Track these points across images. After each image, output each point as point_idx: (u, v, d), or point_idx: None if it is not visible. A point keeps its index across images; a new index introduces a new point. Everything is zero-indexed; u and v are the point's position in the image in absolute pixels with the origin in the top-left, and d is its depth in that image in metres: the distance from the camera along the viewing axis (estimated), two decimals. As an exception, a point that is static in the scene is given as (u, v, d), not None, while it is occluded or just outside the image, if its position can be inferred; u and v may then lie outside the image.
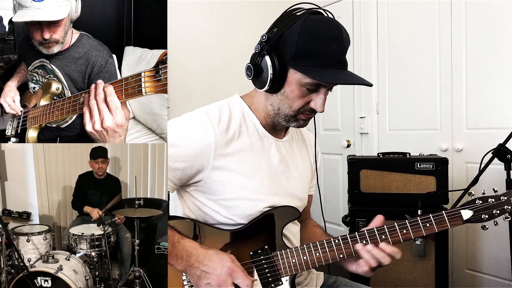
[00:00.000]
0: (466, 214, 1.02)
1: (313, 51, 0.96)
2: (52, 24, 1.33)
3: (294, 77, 0.99)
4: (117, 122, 1.12)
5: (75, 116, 1.37)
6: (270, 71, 0.99)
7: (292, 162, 1.17)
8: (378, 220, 1.06)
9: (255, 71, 1.02)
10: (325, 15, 1.02)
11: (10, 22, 1.64)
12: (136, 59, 1.77)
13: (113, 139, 1.15)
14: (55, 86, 1.41)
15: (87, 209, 1.99)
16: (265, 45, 1.00)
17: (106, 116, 1.11)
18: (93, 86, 1.14)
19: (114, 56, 1.50)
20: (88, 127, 1.13)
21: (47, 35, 1.34)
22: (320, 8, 1.03)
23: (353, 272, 1.07)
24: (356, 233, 1.04)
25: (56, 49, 1.38)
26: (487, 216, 1.02)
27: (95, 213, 1.95)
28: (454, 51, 2.41)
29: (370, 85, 1.00)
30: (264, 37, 1.00)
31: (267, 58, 0.99)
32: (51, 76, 1.43)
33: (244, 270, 0.99)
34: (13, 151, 2.04)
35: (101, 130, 1.12)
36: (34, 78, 1.48)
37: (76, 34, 1.44)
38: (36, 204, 2.12)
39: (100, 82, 1.13)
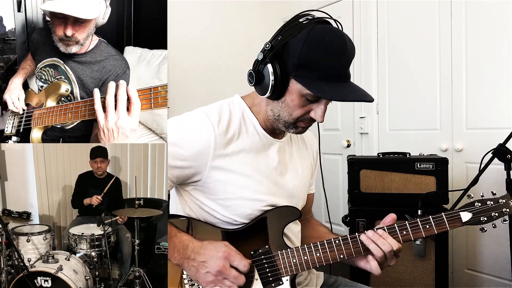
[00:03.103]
0: (465, 216, 1.02)
1: (315, 62, 0.94)
2: (78, 23, 1.31)
3: (295, 87, 0.98)
4: (131, 126, 1.13)
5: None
6: (271, 77, 0.98)
7: (291, 162, 1.17)
8: (389, 218, 1.06)
9: (256, 78, 1.02)
10: (332, 24, 1.00)
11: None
12: (136, 59, 1.77)
13: (120, 140, 1.15)
14: (64, 88, 1.39)
15: (87, 200, 2.00)
16: (268, 53, 0.99)
17: (123, 116, 1.12)
18: (112, 84, 1.12)
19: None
20: (101, 123, 1.13)
21: (69, 32, 1.31)
22: (327, 17, 1.00)
23: (362, 268, 1.06)
24: (356, 233, 1.04)
25: (74, 49, 1.36)
26: (485, 219, 1.02)
27: (95, 199, 1.95)
28: (454, 51, 2.41)
29: (371, 100, 0.98)
30: (267, 45, 0.99)
31: (269, 66, 0.98)
32: (63, 77, 1.42)
33: (240, 253, 0.99)
34: (13, 151, 2.04)
35: (112, 129, 1.12)
36: (43, 77, 1.46)
37: (95, 40, 1.42)
38: (36, 204, 2.12)
39: (123, 83, 1.13)
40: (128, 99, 1.13)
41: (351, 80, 1.01)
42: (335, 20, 1.02)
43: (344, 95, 0.97)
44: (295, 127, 1.05)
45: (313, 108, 1.01)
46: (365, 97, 0.98)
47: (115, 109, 1.13)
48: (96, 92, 1.17)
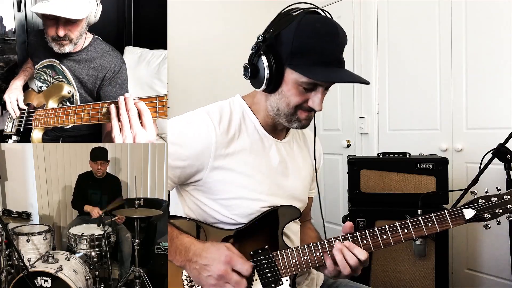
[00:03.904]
0: (469, 213, 1.01)
1: (308, 49, 0.96)
2: (69, 23, 1.31)
3: (291, 76, 0.99)
4: (149, 139, 1.11)
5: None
6: (266, 71, 0.99)
7: (292, 163, 1.16)
8: (347, 227, 1.06)
9: (252, 71, 1.03)
10: (322, 14, 1.02)
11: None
12: (136, 59, 1.77)
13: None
14: (67, 89, 1.39)
15: (87, 208, 1.99)
16: (262, 45, 1.00)
17: (139, 132, 1.09)
18: (121, 98, 1.09)
19: (126, 61, 1.49)
20: (118, 140, 1.10)
21: (61, 33, 1.32)
22: (317, 8, 1.02)
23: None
24: (357, 232, 1.04)
25: (68, 48, 1.37)
26: (489, 215, 1.00)
27: (95, 212, 1.95)
28: (454, 51, 2.41)
29: (367, 83, 1.00)
30: (260, 37, 1.01)
31: (263, 58, 0.99)
32: (60, 77, 1.42)
33: (242, 256, 0.99)
34: (13, 151, 2.04)
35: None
36: (42, 77, 1.47)
37: (89, 37, 1.43)
38: (36, 204, 2.12)
39: (130, 96, 1.09)
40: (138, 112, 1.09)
41: None
42: (322, 10, 1.03)
43: (338, 77, 0.99)
44: (297, 120, 1.05)
45: (310, 97, 1.01)
46: (361, 79, 0.99)
47: (130, 125, 1.08)
48: (113, 109, 1.11)
